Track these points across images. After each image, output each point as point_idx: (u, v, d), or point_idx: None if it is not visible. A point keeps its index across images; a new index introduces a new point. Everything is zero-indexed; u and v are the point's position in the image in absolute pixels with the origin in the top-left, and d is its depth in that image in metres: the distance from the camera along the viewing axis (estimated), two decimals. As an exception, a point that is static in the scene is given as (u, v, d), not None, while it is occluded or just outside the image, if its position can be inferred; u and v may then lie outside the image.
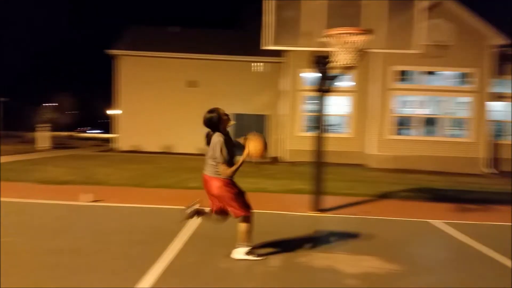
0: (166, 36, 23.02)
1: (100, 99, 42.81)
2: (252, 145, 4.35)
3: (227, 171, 4.29)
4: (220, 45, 21.69)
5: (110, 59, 21.50)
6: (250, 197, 4.60)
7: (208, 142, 4.40)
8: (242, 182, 10.04)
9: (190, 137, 20.63)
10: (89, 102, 51.55)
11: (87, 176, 10.55)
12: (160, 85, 21.21)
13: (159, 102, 21.22)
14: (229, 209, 4.40)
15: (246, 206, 4.46)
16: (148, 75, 21.18)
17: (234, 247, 4.52)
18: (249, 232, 4.48)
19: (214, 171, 4.35)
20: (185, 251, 4.75)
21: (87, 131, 43.17)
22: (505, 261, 4.80)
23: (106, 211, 6.80)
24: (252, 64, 20.94)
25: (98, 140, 32.37)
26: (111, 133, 22.15)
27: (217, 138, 4.30)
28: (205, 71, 21.12)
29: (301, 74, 17.13)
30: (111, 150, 21.65)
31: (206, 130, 4.46)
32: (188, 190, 8.96)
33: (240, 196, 4.44)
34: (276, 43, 6.60)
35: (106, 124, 27.55)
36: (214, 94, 20.89)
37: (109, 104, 22.18)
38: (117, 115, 21.59)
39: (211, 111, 4.40)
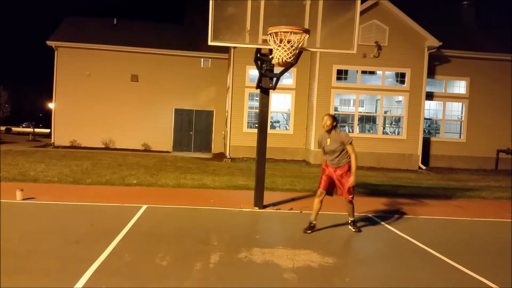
0: (108, 28, 22.21)
1: (43, 93, 40.68)
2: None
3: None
4: (165, 39, 21.28)
5: (53, 51, 20.42)
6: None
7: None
8: (184, 179, 10.00)
9: (132, 132, 20.13)
10: (29, 95, 48.88)
11: (19, 173, 9.98)
12: (100, 78, 20.45)
13: (100, 96, 20.45)
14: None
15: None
16: (88, 68, 20.36)
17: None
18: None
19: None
20: (124, 249, 4.64)
21: (23, 126, 40.82)
22: (434, 252, 5.14)
23: (39, 209, 6.47)
24: (200, 59, 20.73)
25: (37, 135, 30.70)
26: (51, 128, 21.06)
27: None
28: (148, 66, 20.61)
29: (245, 71, 17.23)
30: (47, 145, 20.58)
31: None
32: (129, 187, 8.72)
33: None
34: (215, 39, 6.59)
35: (47, 118, 26.23)
36: (157, 89, 20.50)
37: (50, 97, 21.12)
38: (55, 108, 20.54)
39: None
